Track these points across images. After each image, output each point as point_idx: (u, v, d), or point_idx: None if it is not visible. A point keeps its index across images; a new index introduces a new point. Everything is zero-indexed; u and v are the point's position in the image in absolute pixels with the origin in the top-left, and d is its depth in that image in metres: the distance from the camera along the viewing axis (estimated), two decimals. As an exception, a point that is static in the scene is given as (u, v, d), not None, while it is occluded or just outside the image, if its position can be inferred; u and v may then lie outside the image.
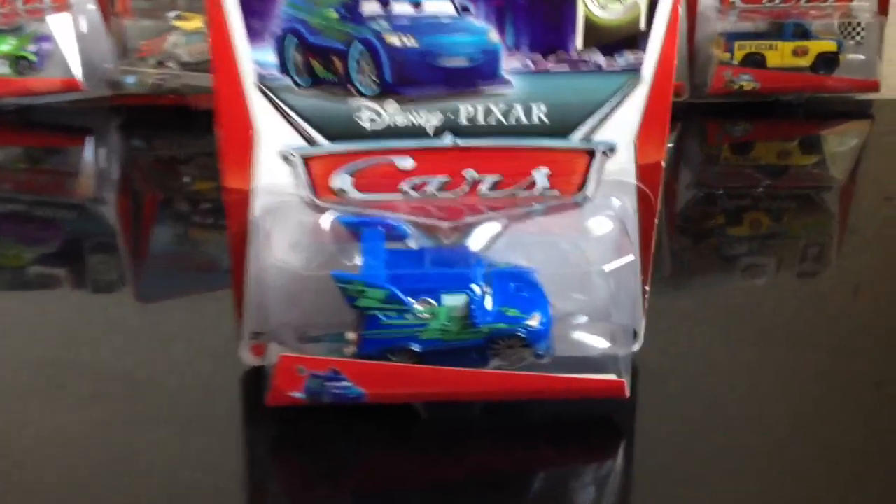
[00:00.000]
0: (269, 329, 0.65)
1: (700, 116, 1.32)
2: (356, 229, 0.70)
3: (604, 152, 0.66)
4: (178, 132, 1.22)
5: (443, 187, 0.72)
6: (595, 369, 0.71)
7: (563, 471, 0.67)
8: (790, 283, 0.89)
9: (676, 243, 0.95)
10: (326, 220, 0.72)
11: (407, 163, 0.65)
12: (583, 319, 0.71)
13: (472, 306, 0.67)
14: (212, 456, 0.68)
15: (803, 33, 1.43)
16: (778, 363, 0.77)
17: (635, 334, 0.76)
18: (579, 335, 0.73)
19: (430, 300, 0.68)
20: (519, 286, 0.71)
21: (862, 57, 1.44)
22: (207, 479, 0.66)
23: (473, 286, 0.68)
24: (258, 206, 0.66)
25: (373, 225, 0.69)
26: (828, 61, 1.43)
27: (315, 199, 0.67)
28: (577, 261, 0.74)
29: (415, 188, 0.66)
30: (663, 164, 0.72)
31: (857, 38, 1.44)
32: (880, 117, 1.36)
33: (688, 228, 0.99)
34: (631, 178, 0.72)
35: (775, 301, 0.84)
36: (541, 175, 0.72)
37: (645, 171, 0.72)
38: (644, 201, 0.73)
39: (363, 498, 0.65)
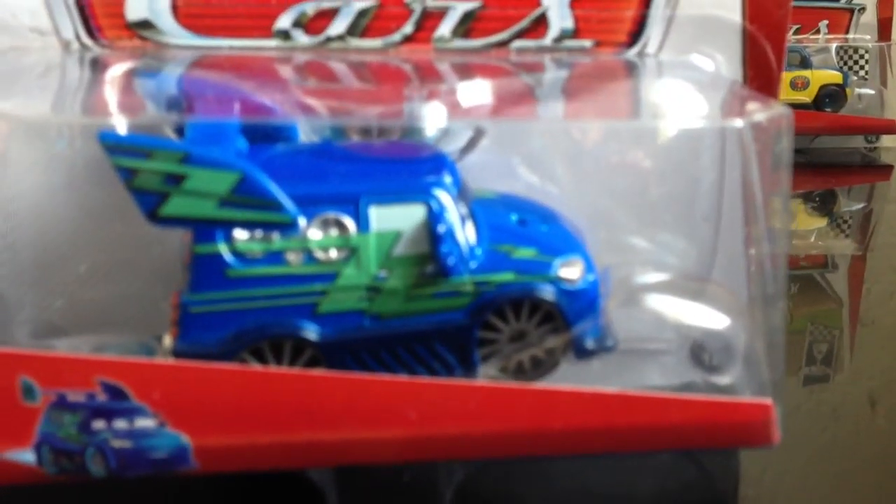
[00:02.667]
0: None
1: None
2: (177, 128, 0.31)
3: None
4: None
5: (364, 27, 0.33)
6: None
7: None
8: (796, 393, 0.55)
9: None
10: (117, 85, 0.32)
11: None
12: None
13: (436, 230, 0.28)
14: None
15: (802, 61, 1.13)
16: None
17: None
18: (666, 306, 0.33)
19: (340, 218, 0.28)
20: (526, 218, 0.32)
21: (871, 91, 1.14)
22: None
23: (436, 192, 0.28)
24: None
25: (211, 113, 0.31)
26: (832, 95, 1.12)
27: (92, 43, 0.33)
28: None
29: (305, 28, 0.35)
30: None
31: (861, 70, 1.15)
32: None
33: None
34: (734, 14, 0.35)
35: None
36: (558, 1, 0.35)
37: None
38: (759, 65, 0.36)
39: None
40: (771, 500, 0.37)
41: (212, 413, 0.29)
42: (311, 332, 0.30)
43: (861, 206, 1.04)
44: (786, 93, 1.11)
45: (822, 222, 0.98)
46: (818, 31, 1.13)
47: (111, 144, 0.27)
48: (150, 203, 0.28)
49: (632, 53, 0.37)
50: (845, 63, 1.17)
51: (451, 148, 0.36)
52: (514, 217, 0.34)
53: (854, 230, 0.95)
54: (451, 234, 0.30)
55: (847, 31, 1.16)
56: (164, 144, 0.27)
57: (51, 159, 0.35)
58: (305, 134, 0.35)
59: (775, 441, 0.33)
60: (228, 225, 0.28)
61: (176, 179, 0.27)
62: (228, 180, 0.28)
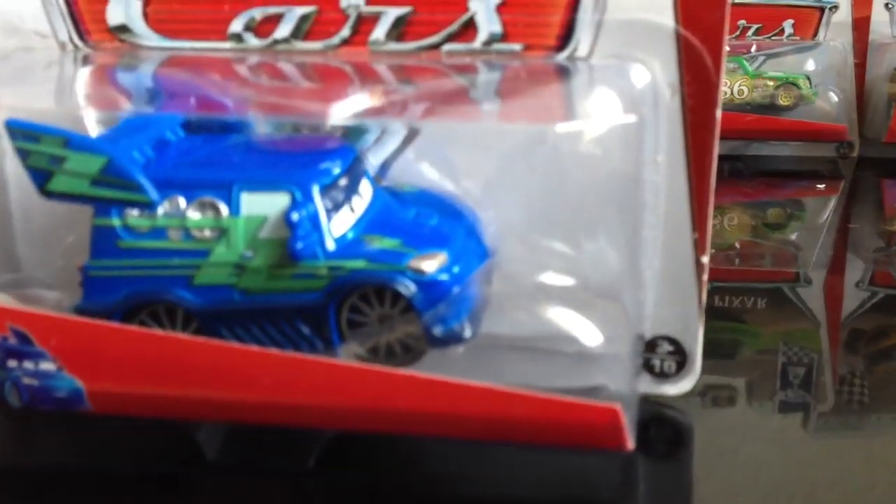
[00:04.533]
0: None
1: (873, 175, 0.95)
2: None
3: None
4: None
5: (304, 30, 0.37)
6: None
7: None
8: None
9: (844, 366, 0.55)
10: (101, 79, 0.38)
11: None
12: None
13: (292, 218, 0.31)
14: None
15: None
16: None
17: (677, 346, 0.37)
18: (547, 310, 0.34)
19: (215, 201, 0.32)
20: (425, 213, 0.34)
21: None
22: None
23: (302, 182, 0.32)
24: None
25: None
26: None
27: (82, 44, 0.39)
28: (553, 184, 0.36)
29: (254, 31, 0.38)
30: None
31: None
32: None
33: (856, 346, 0.61)
34: (666, 17, 0.35)
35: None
36: (485, 6, 0.36)
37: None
38: (695, 70, 0.35)
39: None
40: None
41: (98, 362, 0.34)
42: (187, 301, 0.34)
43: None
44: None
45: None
46: (782, 32, 1.00)
47: (13, 129, 0.33)
48: (40, 180, 0.33)
49: (561, 57, 0.38)
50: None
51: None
52: (412, 211, 0.36)
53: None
54: (302, 222, 0.33)
55: (816, 32, 1.02)
56: (51, 130, 0.33)
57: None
58: (260, 126, 0.39)
59: (627, 446, 0.33)
60: (100, 202, 0.33)
61: (58, 160, 0.33)
62: (98, 163, 0.32)
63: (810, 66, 1.06)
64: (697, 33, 0.37)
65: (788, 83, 1.04)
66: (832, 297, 0.67)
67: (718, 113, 0.37)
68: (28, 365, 0.34)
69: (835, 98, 1.03)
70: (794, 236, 0.85)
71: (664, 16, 0.37)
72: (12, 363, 0.34)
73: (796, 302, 0.65)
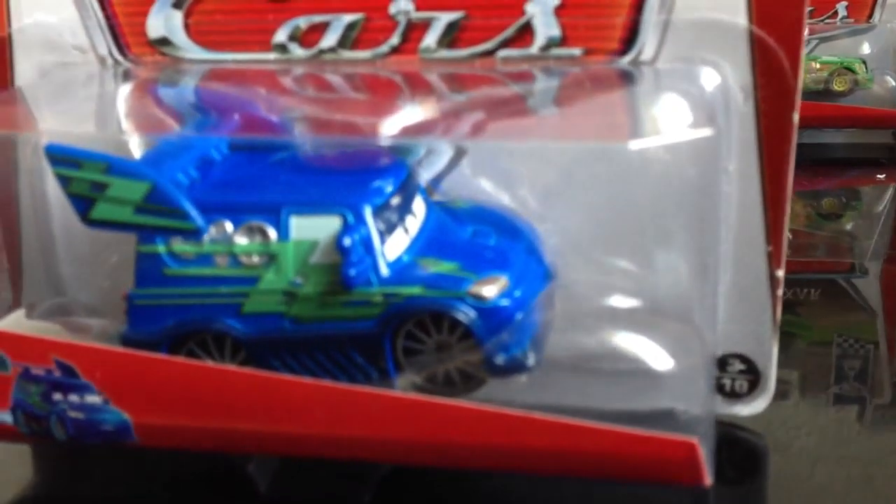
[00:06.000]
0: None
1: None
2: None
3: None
4: None
5: (353, 39, 0.35)
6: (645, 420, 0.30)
7: None
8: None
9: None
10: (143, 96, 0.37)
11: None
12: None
13: (345, 244, 0.29)
14: None
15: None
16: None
17: (749, 364, 0.35)
18: (615, 336, 0.32)
19: (263, 226, 0.30)
20: (482, 231, 0.32)
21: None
22: None
23: (354, 204, 0.30)
24: (22, 72, 0.38)
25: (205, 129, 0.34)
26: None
27: (122, 58, 0.38)
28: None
29: (300, 41, 0.37)
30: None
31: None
32: None
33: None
34: (739, 16, 0.33)
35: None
36: (542, 9, 0.34)
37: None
38: (770, 72, 0.33)
39: None
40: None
41: (145, 395, 0.33)
42: (236, 330, 0.32)
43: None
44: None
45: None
46: (835, 14, 0.95)
47: (53, 155, 0.31)
48: (82, 208, 0.32)
49: (625, 62, 0.36)
50: None
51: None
52: (468, 230, 0.34)
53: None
54: (355, 247, 0.31)
55: (871, 14, 0.97)
56: (91, 156, 0.31)
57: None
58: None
59: (704, 482, 0.31)
60: (144, 230, 0.31)
61: (100, 187, 0.31)
62: (141, 189, 0.31)
63: (865, 49, 1.03)
64: (773, 33, 0.34)
65: (843, 68, 1.00)
66: (889, 288, 0.65)
67: (796, 118, 0.35)
68: (73, 398, 0.33)
69: (892, 82, 1.00)
70: (849, 226, 0.83)
71: (737, 15, 0.34)
72: (57, 396, 0.33)
73: (852, 293, 0.63)
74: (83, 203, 0.31)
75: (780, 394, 0.43)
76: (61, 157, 0.31)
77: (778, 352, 0.38)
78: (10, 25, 0.39)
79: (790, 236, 0.74)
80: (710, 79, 0.35)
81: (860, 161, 0.99)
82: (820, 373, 0.49)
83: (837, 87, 1.01)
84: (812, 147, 0.99)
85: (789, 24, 0.34)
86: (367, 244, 0.31)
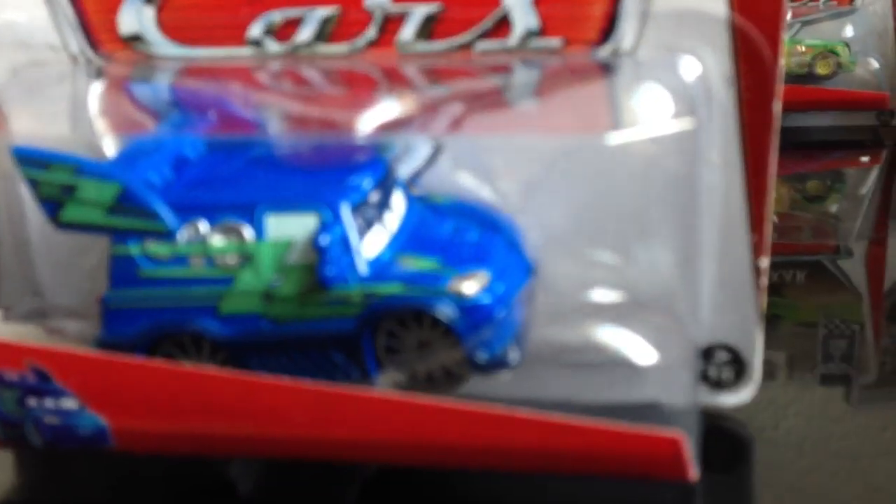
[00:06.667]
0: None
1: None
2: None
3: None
4: None
5: (328, 32, 0.34)
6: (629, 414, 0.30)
7: None
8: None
9: (887, 337, 0.54)
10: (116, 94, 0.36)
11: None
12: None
13: (322, 243, 0.28)
14: None
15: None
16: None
17: (734, 354, 0.34)
18: (598, 331, 0.31)
19: (237, 226, 0.29)
20: (463, 226, 0.31)
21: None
22: None
23: (330, 202, 0.29)
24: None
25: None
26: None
27: (94, 56, 0.37)
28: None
29: (275, 35, 0.36)
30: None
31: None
32: None
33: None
34: (718, 5, 0.32)
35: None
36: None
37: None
38: (751, 61, 0.32)
39: None
40: None
41: (122, 399, 0.32)
42: (214, 331, 0.32)
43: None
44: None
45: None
46: None
47: (21, 157, 0.31)
48: (52, 210, 0.31)
49: (604, 52, 0.35)
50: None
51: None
52: (449, 225, 0.33)
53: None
54: (332, 246, 0.30)
55: None
56: (60, 158, 0.30)
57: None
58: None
59: (689, 477, 0.30)
60: (117, 232, 0.31)
61: (69, 189, 0.30)
62: (112, 191, 0.30)
63: (848, 32, 1.02)
64: (754, 21, 0.34)
65: (826, 51, 1.00)
66: (874, 269, 0.65)
67: (778, 107, 0.34)
68: (49, 403, 0.32)
69: (875, 65, 0.99)
70: (834, 208, 0.83)
71: (716, 3, 0.34)
72: (32, 402, 0.32)
73: (837, 274, 0.63)
74: (53, 206, 0.31)
75: (767, 374, 0.43)
76: (29, 160, 0.30)
77: (765, 333, 0.38)
78: (-23, 25, 0.38)
79: (776, 219, 0.74)
80: (690, 68, 0.34)
81: (844, 143, 0.99)
82: (806, 353, 0.49)
83: (821, 70, 1.01)
84: (796, 130, 0.99)
85: (770, 12, 0.34)
86: (345, 243, 0.31)
